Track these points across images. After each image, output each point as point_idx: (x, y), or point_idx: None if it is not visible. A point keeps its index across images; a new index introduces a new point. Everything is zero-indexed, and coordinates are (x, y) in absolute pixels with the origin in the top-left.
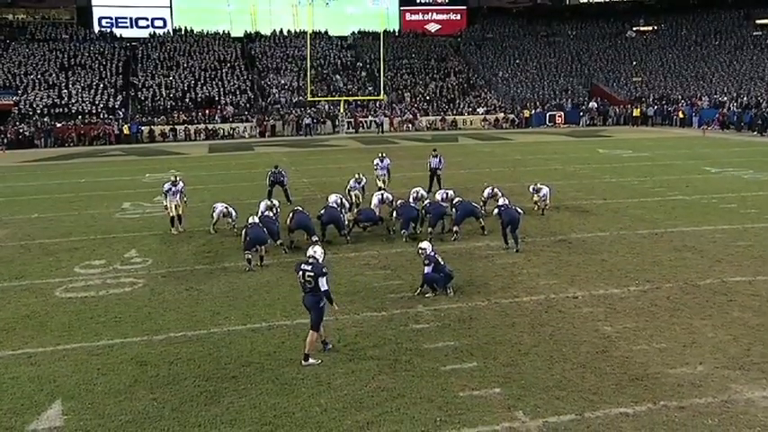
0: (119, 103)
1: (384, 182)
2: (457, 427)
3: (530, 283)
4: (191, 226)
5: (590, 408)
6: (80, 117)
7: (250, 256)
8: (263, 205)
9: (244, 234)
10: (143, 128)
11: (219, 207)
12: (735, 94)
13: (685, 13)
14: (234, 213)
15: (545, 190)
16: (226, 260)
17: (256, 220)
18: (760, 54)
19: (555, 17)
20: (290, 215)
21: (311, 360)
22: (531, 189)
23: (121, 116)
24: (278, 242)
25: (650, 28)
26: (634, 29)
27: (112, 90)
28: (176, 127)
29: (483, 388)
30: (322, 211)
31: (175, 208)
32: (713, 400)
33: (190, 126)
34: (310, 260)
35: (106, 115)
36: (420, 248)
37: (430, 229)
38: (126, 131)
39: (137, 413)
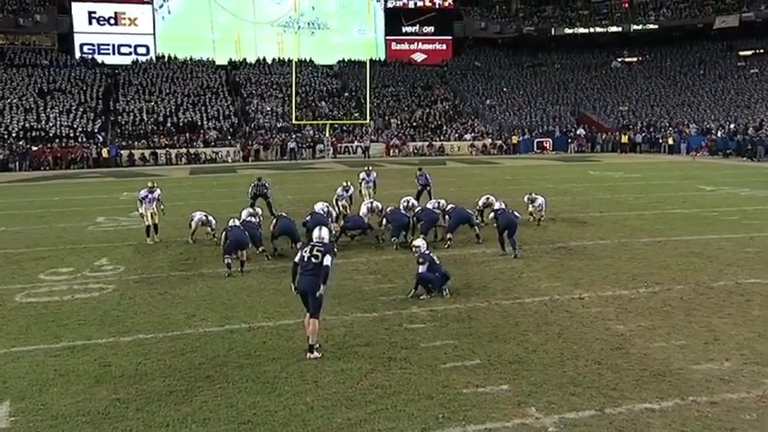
0: (98, 127)
1: (370, 195)
2: (462, 425)
3: (531, 285)
4: (168, 236)
5: (611, 404)
6: (57, 141)
7: (230, 261)
8: (245, 212)
9: (224, 237)
10: (122, 152)
11: (198, 215)
12: (722, 122)
13: (669, 45)
14: (213, 222)
15: (540, 200)
16: (204, 267)
17: (237, 223)
18: (744, 83)
19: (540, 48)
20: (275, 221)
21: (316, 353)
22: (525, 199)
23: (100, 140)
24: (259, 249)
25: (635, 59)
26: (619, 59)
27: (92, 114)
28: (157, 151)
29: (489, 385)
30: (308, 218)
31: (151, 216)
32: (747, 395)
33: (171, 150)
34: (318, 241)
35: (84, 139)
36: (414, 246)
37: (422, 237)
38: (105, 155)
39: (96, 414)
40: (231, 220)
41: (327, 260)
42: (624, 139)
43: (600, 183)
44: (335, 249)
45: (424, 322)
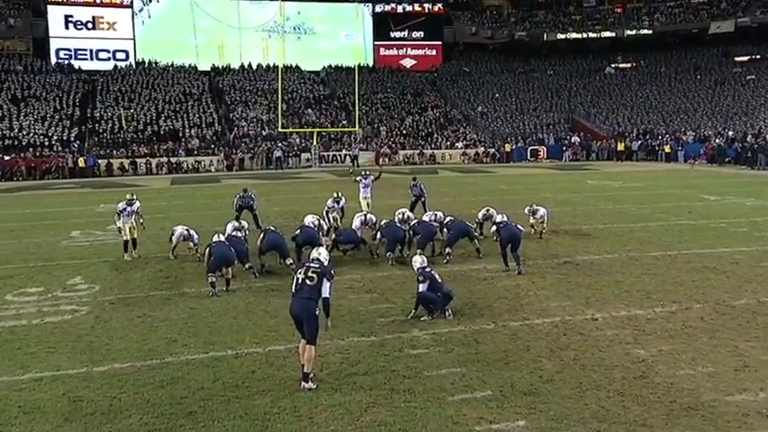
0: (74, 135)
1: (368, 204)
2: None
3: (539, 305)
4: (147, 252)
5: None
6: (31, 150)
7: (214, 279)
8: (229, 226)
9: (207, 253)
10: (100, 161)
11: (179, 230)
12: (720, 129)
13: (663, 51)
14: (195, 236)
15: (542, 211)
16: (186, 285)
17: (222, 238)
18: (741, 90)
19: (532, 54)
20: (262, 235)
21: (311, 383)
22: (526, 211)
23: (77, 149)
24: (246, 266)
25: (629, 64)
26: (612, 65)
27: (68, 122)
28: (137, 160)
29: (503, 420)
30: (297, 232)
31: (130, 231)
32: None
33: (151, 159)
34: (315, 262)
35: (60, 148)
36: (413, 262)
37: (419, 252)
38: (81, 164)
39: None
40: (215, 236)
41: (325, 288)
42: (620, 146)
43: (599, 192)
44: (333, 271)
45: (427, 347)
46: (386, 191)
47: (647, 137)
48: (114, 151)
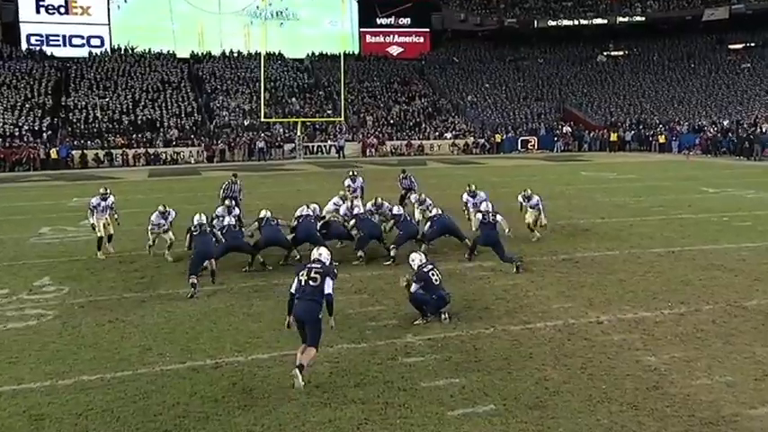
0: (46, 125)
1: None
2: None
3: (540, 306)
4: (122, 250)
5: None
6: (0, 140)
7: (195, 281)
8: (220, 209)
9: (188, 239)
10: (74, 152)
11: (153, 216)
12: (715, 118)
13: (656, 39)
14: (172, 213)
15: (536, 198)
16: (162, 286)
17: (203, 220)
18: (736, 78)
19: (522, 41)
20: (257, 228)
21: (300, 380)
22: (520, 198)
23: (49, 139)
24: (259, 260)
25: (621, 52)
26: (605, 53)
27: (39, 111)
28: (112, 151)
29: None
30: (294, 223)
31: (104, 227)
32: None
33: (128, 150)
34: (316, 263)
35: (31, 138)
36: (410, 260)
37: (393, 247)
38: (54, 156)
39: None
40: (196, 216)
41: (328, 285)
42: (613, 137)
43: (594, 184)
44: (336, 271)
45: (423, 355)
46: (373, 183)
47: (641, 127)
48: (89, 142)
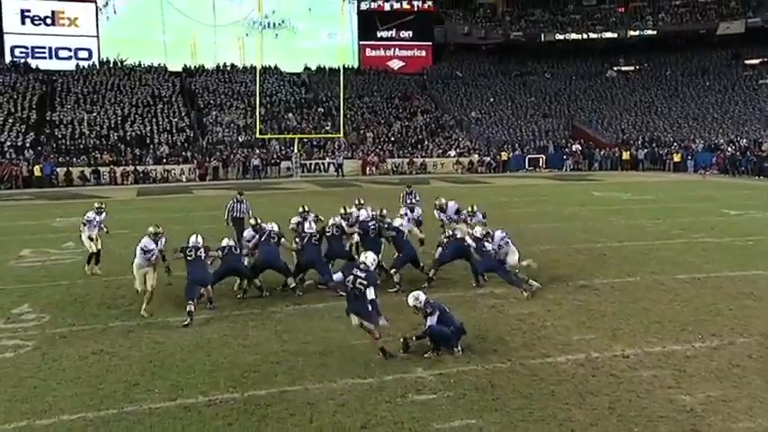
0: (30, 141)
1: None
2: None
3: (559, 338)
4: (108, 273)
5: None
6: None
7: (192, 308)
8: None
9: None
10: (59, 169)
11: (143, 242)
12: (732, 136)
13: (668, 53)
14: (163, 240)
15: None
16: (152, 313)
17: (200, 242)
18: (753, 94)
19: (529, 55)
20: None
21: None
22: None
23: (32, 155)
24: (256, 284)
25: (632, 67)
26: (615, 68)
27: (23, 127)
28: (99, 168)
29: None
30: (296, 243)
31: (94, 242)
32: None
33: (116, 168)
34: (362, 266)
35: (14, 155)
36: (413, 298)
37: (393, 272)
38: (37, 173)
39: None
40: (192, 237)
41: (370, 292)
42: (625, 155)
43: (608, 205)
44: (378, 277)
45: (435, 392)
46: (373, 202)
47: (654, 145)
48: (74, 159)
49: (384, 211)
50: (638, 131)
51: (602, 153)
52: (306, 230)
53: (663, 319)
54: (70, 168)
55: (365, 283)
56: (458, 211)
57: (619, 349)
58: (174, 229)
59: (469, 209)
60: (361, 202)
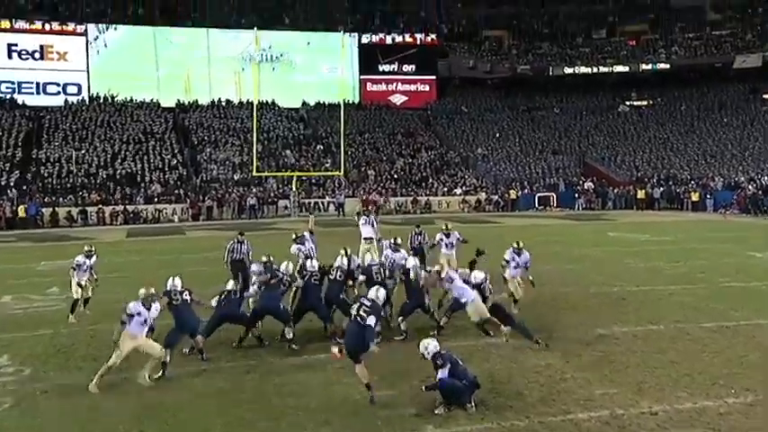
0: (14, 180)
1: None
2: None
3: (580, 392)
4: (95, 322)
5: None
6: None
7: (167, 359)
8: (254, 266)
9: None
10: (44, 209)
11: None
12: (752, 174)
13: (682, 87)
14: (156, 307)
15: (526, 255)
16: (138, 367)
17: (177, 284)
18: None
19: (536, 90)
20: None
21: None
22: (508, 256)
23: (17, 195)
24: (254, 333)
25: (645, 102)
26: (627, 103)
27: (7, 165)
28: (87, 208)
29: None
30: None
31: (82, 289)
32: None
33: (105, 207)
34: (368, 300)
35: None
36: (423, 347)
37: (400, 319)
38: (21, 214)
39: None
40: (170, 280)
41: (371, 319)
42: (640, 194)
43: (624, 247)
44: (384, 312)
45: None
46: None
47: (670, 183)
48: (61, 198)
49: (399, 240)
50: (654, 169)
51: (615, 191)
52: (308, 268)
53: (692, 372)
54: (56, 208)
55: (369, 310)
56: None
57: (646, 405)
58: (164, 273)
59: (515, 245)
60: (398, 242)
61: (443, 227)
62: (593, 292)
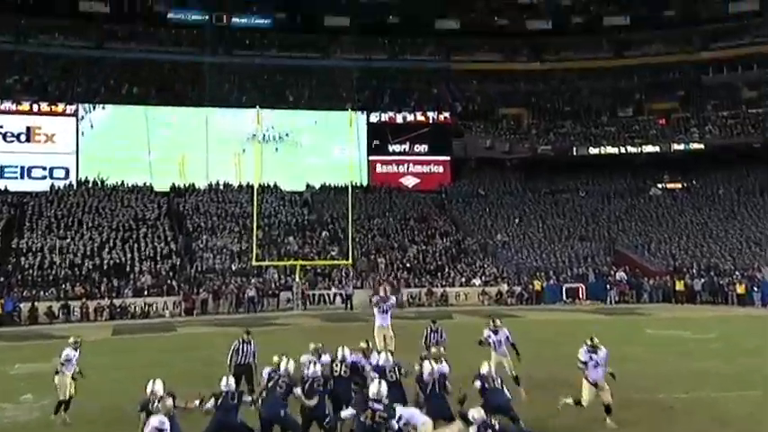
0: None
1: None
2: None
3: None
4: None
5: None
6: None
7: None
8: (304, 357)
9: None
10: (22, 305)
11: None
12: None
13: (718, 169)
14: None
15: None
16: None
17: (158, 390)
18: None
19: (559, 171)
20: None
21: None
22: (583, 359)
23: None
24: None
25: (678, 185)
26: (659, 185)
27: None
28: (70, 303)
29: None
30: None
31: (68, 386)
32: None
33: (89, 302)
34: (376, 398)
35: None
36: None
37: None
38: None
39: None
40: (150, 384)
41: (395, 425)
42: (679, 285)
43: (665, 346)
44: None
45: None
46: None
47: (712, 273)
48: (42, 292)
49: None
50: (692, 258)
51: (651, 282)
52: (309, 374)
53: None
54: (36, 303)
55: (385, 415)
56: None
57: None
58: (153, 373)
59: (589, 342)
60: (424, 356)
61: (491, 322)
62: (636, 399)
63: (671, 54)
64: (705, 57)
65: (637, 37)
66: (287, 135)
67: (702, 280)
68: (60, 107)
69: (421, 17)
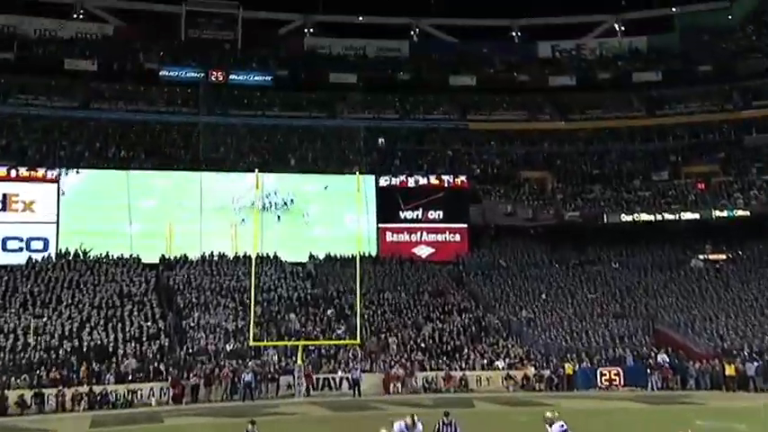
0: None
1: None
2: None
3: None
4: None
5: None
6: None
7: None
8: None
9: None
10: None
11: None
12: None
13: (766, 237)
14: None
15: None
16: None
17: None
18: None
19: (589, 240)
20: None
21: None
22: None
23: None
24: None
25: (722, 255)
26: (700, 256)
27: None
28: (44, 391)
29: None
30: None
31: None
32: None
33: (66, 389)
34: None
35: None
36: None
37: None
38: None
39: None
40: None
41: None
42: (729, 370)
43: None
44: None
45: None
46: None
47: (766, 356)
48: (13, 378)
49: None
50: (742, 338)
51: (697, 366)
52: None
53: None
54: (6, 392)
55: None
56: None
57: None
58: None
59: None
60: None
61: (547, 414)
62: None
63: (709, 113)
64: (746, 115)
65: (670, 94)
66: (291, 201)
67: (756, 364)
68: (40, 172)
69: (433, 73)
